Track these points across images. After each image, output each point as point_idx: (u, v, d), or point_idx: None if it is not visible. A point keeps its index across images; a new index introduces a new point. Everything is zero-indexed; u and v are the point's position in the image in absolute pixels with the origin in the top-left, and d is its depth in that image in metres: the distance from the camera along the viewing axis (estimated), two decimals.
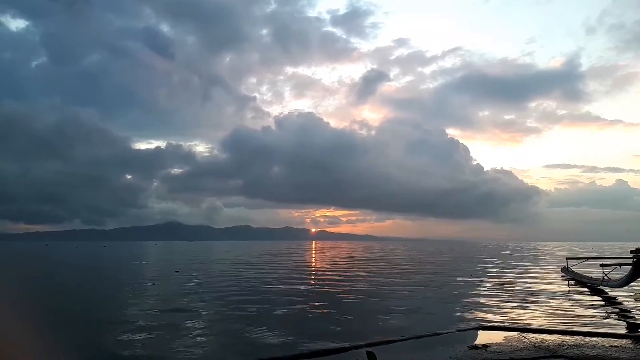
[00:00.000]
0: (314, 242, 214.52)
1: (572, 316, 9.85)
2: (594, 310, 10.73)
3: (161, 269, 28.22)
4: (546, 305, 11.45)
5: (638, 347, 6.87)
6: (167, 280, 19.61)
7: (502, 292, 14.17)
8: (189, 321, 9.59)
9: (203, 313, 10.65)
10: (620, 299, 12.67)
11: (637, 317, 9.99)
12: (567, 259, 20.19)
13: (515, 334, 7.96)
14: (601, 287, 14.64)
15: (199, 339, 7.94)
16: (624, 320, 9.57)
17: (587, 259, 20.24)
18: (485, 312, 10.51)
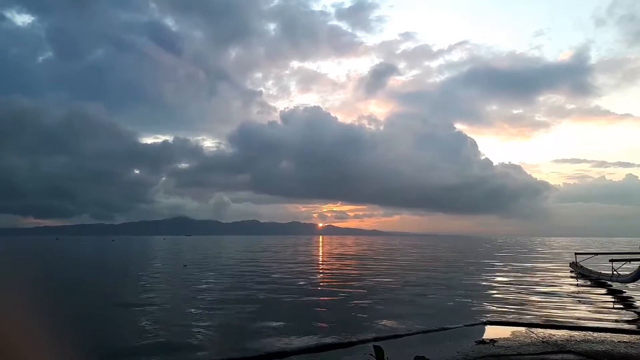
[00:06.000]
0: (321, 237, 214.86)
1: (581, 311, 9.80)
2: (602, 306, 10.67)
3: (170, 263, 28.49)
4: (554, 301, 11.40)
5: None
6: (176, 273, 19.81)
7: (509, 287, 14.12)
8: (195, 315, 9.69)
9: (210, 305, 10.75)
10: (629, 295, 12.57)
11: None
12: (576, 254, 20.01)
13: (522, 329, 7.95)
14: (610, 282, 14.52)
15: (205, 330, 8.03)
16: (633, 316, 9.50)
17: (596, 254, 20.05)
18: (492, 307, 10.50)
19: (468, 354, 6.21)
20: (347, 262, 28.41)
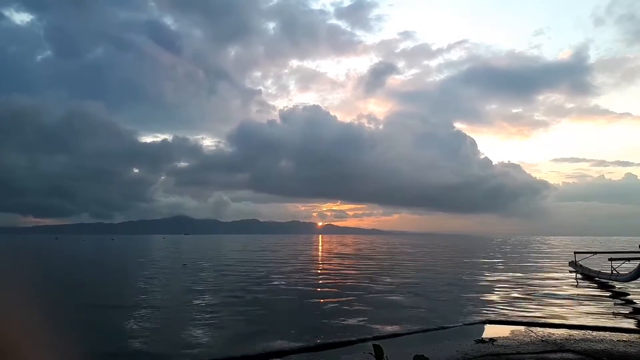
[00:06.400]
0: (320, 236, 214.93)
1: (580, 310, 9.82)
2: (601, 305, 10.68)
3: (170, 262, 28.48)
4: (553, 299, 11.41)
5: None
6: (176, 273, 19.83)
7: (508, 286, 14.13)
8: (194, 313, 9.69)
9: (209, 305, 10.75)
10: (628, 293, 12.58)
11: None
12: (575, 252, 19.99)
13: (522, 328, 7.95)
14: (609, 281, 14.53)
15: (204, 330, 8.03)
16: (632, 315, 9.51)
17: (596, 253, 20.03)
18: (491, 306, 10.51)
19: (467, 352, 6.21)
20: (346, 262, 28.42)
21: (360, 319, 8.99)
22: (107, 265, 26.42)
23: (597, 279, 15.72)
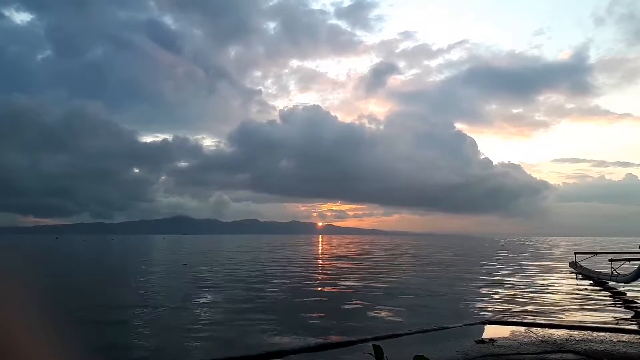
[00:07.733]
0: (320, 236, 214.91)
1: (580, 311, 9.81)
2: (602, 305, 10.67)
3: (170, 262, 28.49)
4: (554, 300, 11.40)
5: None
6: (176, 273, 19.83)
7: (508, 287, 14.12)
8: (194, 314, 9.69)
9: (209, 305, 10.76)
10: (629, 294, 12.58)
11: None
12: (575, 253, 20.00)
13: (522, 328, 7.95)
14: (610, 282, 14.52)
15: (204, 330, 8.03)
16: (632, 316, 9.50)
17: (596, 253, 20.03)
18: (491, 306, 10.50)
19: (468, 353, 6.21)
20: (345, 263, 28.44)
21: (360, 320, 9.00)
22: (108, 266, 26.44)
23: (597, 279, 15.71)
